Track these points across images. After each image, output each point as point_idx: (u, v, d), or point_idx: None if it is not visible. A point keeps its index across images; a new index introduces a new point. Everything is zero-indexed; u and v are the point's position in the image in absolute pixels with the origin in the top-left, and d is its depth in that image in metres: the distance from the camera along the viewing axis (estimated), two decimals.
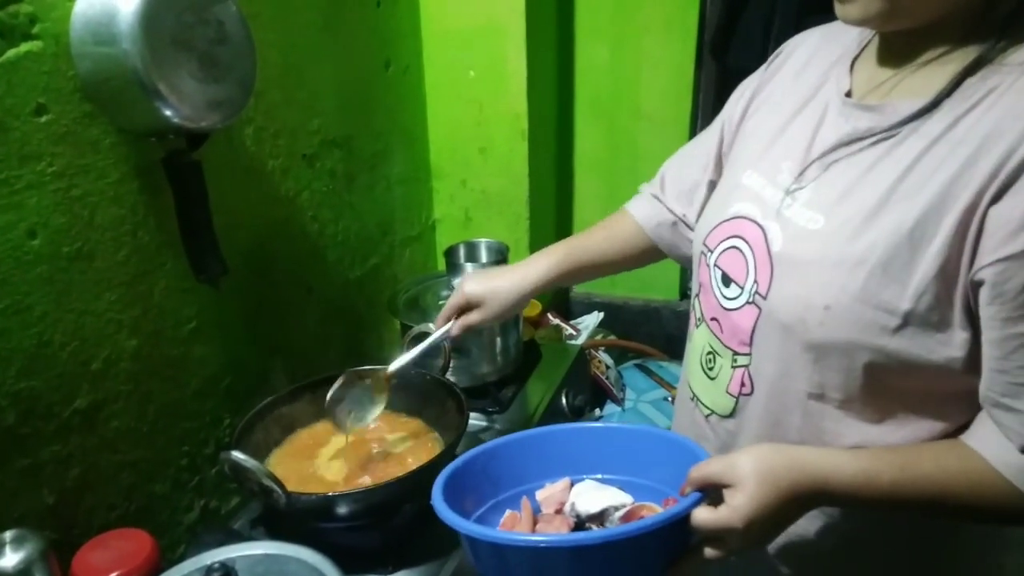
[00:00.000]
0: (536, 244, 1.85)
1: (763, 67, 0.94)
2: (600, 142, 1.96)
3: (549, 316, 1.87)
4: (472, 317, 1.11)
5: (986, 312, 0.65)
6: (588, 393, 1.59)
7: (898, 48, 0.74)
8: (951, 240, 0.64)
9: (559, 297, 2.11)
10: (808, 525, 0.80)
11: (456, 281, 1.45)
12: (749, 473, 0.67)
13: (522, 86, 1.68)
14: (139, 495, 1.09)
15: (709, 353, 0.86)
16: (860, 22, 0.71)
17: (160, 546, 0.94)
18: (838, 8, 0.71)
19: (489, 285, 1.10)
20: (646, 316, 2.03)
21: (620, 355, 1.88)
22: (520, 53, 1.65)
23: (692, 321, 0.92)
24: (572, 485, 0.84)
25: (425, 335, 1.27)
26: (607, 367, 1.73)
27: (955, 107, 0.67)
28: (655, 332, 2.00)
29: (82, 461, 0.99)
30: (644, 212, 1.09)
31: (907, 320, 0.67)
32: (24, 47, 0.86)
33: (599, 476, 0.85)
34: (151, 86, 0.89)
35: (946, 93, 0.67)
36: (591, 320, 1.86)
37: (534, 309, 1.82)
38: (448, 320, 1.13)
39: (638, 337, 1.98)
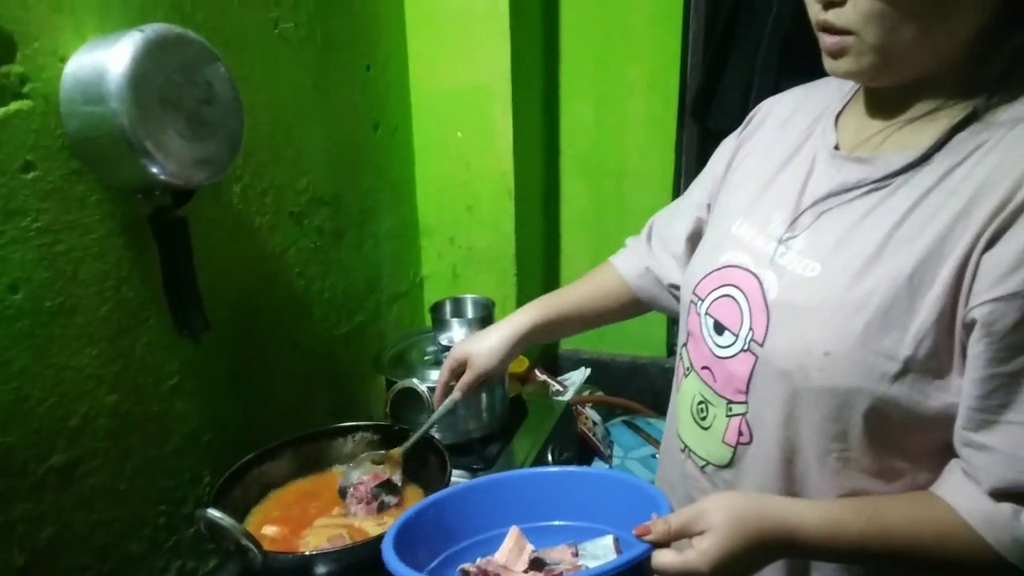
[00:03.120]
0: (523, 300, 1.84)
1: (743, 124, 0.96)
2: (586, 199, 1.99)
3: (536, 372, 1.87)
4: (465, 378, 1.12)
5: (973, 350, 0.66)
6: (575, 450, 1.58)
7: (887, 103, 0.76)
8: (948, 287, 0.66)
9: (547, 353, 2.10)
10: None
11: (443, 338, 1.46)
12: (718, 519, 0.68)
13: (508, 145, 1.71)
14: (114, 556, 1.06)
15: (700, 403, 0.86)
16: (851, 76, 0.73)
17: None
18: (828, 63, 0.73)
19: (475, 344, 1.12)
20: (633, 372, 2.03)
21: (607, 412, 1.87)
22: (506, 113, 1.69)
23: (679, 371, 0.92)
24: (521, 534, 0.82)
25: (411, 390, 1.27)
26: (594, 423, 1.72)
27: (946, 160, 0.69)
28: (643, 388, 2.00)
29: (56, 520, 0.97)
30: (627, 265, 1.11)
31: (908, 366, 0.68)
32: (14, 106, 0.88)
33: (556, 523, 0.84)
34: (138, 144, 0.90)
35: (937, 147, 0.69)
36: (578, 376, 1.85)
37: (521, 365, 1.82)
38: (446, 387, 1.15)
39: (626, 393, 1.97)
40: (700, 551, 0.67)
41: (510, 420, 1.50)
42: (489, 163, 1.74)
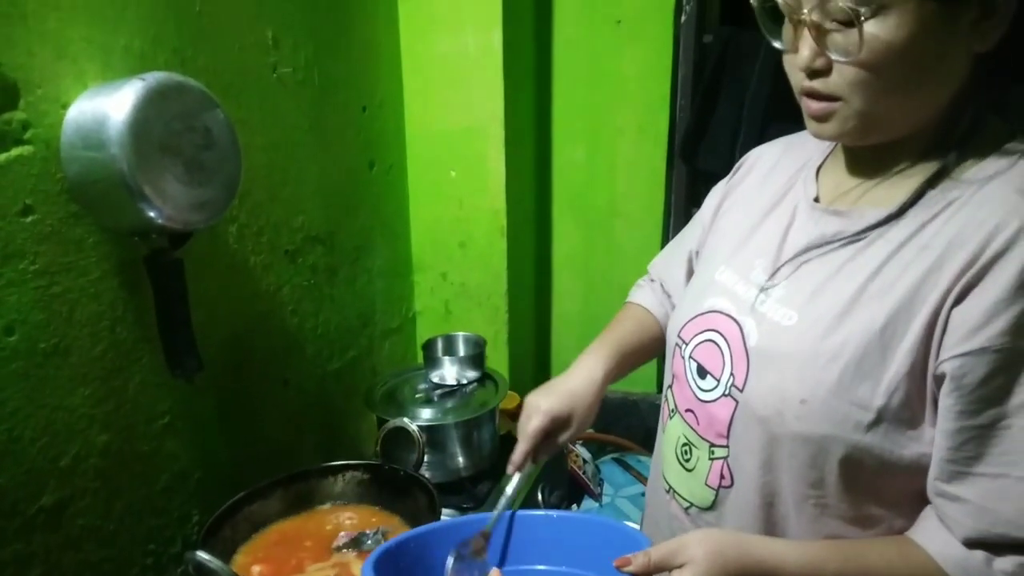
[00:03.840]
0: (514, 337, 1.88)
1: (729, 175, 0.99)
2: (577, 238, 2.02)
3: None
4: (564, 437, 0.99)
5: (944, 403, 0.67)
6: (565, 488, 1.58)
7: (864, 161, 0.79)
8: (920, 340, 0.68)
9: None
10: None
11: (434, 375, 1.47)
12: (699, 553, 0.69)
13: (501, 185, 1.74)
14: None
15: (684, 444, 0.88)
16: (836, 138, 0.76)
17: None
18: (813, 126, 0.75)
19: (570, 402, 0.97)
20: (624, 409, 2.04)
21: (598, 449, 1.88)
22: (499, 154, 1.72)
23: (665, 412, 0.94)
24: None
25: (402, 430, 1.27)
26: (584, 461, 1.72)
27: (918, 215, 0.71)
28: (633, 425, 2.00)
29: (44, 561, 0.97)
30: (651, 301, 1.11)
31: (881, 416, 0.69)
32: (15, 151, 0.90)
33: (539, 567, 0.84)
34: (137, 189, 0.92)
35: (910, 203, 0.72)
36: None
37: (512, 401, 1.82)
38: (530, 450, 0.97)
39: (617, 430, 1.98)
40: None
41: (501, 458, 1.50)
42: (482, 202, 1.77)
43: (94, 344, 1.02)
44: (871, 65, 0.67)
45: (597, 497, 1.71)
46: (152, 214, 0.94)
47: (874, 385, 0.69)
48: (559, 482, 1.57)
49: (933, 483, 0.70)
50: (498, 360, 1.86)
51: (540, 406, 0.97)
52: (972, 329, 0.65)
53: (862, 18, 0.65)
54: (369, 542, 1.13)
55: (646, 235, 1.91)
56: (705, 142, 1.79)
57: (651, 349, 1.10)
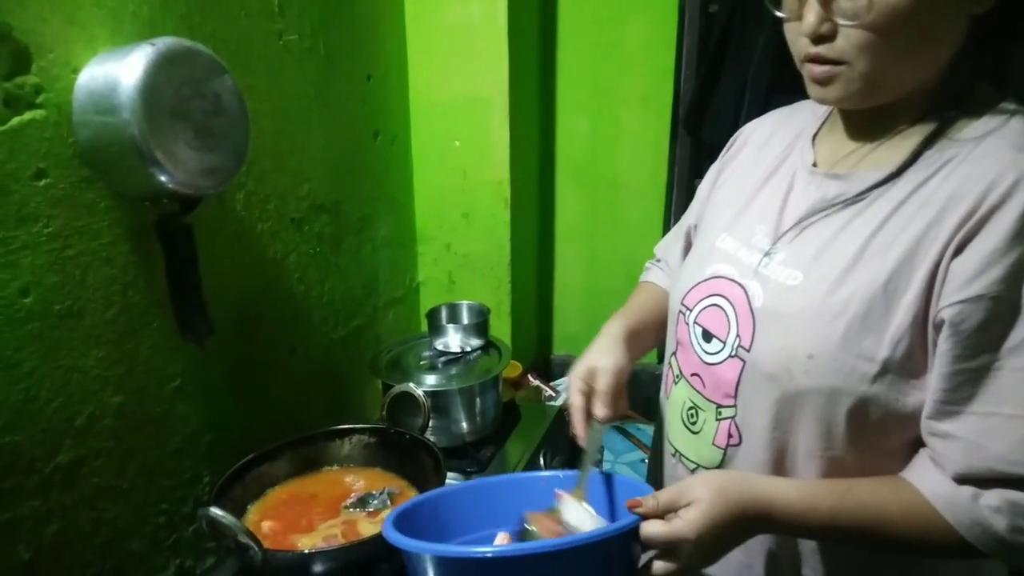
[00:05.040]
0: (517, 307, 1.90)
1: (724, 149, 1.01)
2: (580, 209, 2.03)
3: (529, 377, 1.90)
4: (601, 383, 0.91)
5: (941, 348, 0.70)
6: (566, 453, 1.61)
7: (861, 125, 0.81)
8: (922, 291, 0.70)
9: (540, 359, 2.14)
10: None
11: (438, 343, 1.49)
12: (703, 492, 0.72)
13: (505, 155, 1.75)
14: (115, 553, 1.09)
15: (691, 408, 0.90)
16: (839, 102, 0.77)
17: None
18: (816, 90, 0.77)
19: (589, 357, 0.95)
20: None
21: None
22: (503, 124, 1.73)
23: (669, 379, 0.96)
24: (511, 538, 0.85)
25: (407, 394, 1.29)
26: None
27: (917, 175, 0.74)
28: (634, 395, 2.00)
29: (61, 518, 1.00)
30: (660, 278, 1.13)
31: (886, 367, 0.72)
32: (28, 115, 0.91)
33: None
34: (148, 154, 0.93)
35: (908, 163, 0.74)
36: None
37: (515, 370, 1.85)
38: (584, 415, 0.92)
39: None
40: (686, 520, 0.71)
41: (503, 424, 1.53)
42: (486, 172, 1.78)
43: (107, 307, 1.03)
44: (878, 27, 0.69)
45: (597, 463, 1.74)
46: (163, 179, 0.96)
47: (879, 337, 0.72)
48: (560, 448, 1.59)
49: (926, 422, 0.73)
50: (501, 330, 1.88)
51: (571, 376, 0.95)
52: (969, 278, 0.67)
53: None
54: (375, 502, 1.16)
55: (649, 206, 1.92)
56: (709, 113, 1.80)
57: (664, 324, 1.08)
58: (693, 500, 0.72)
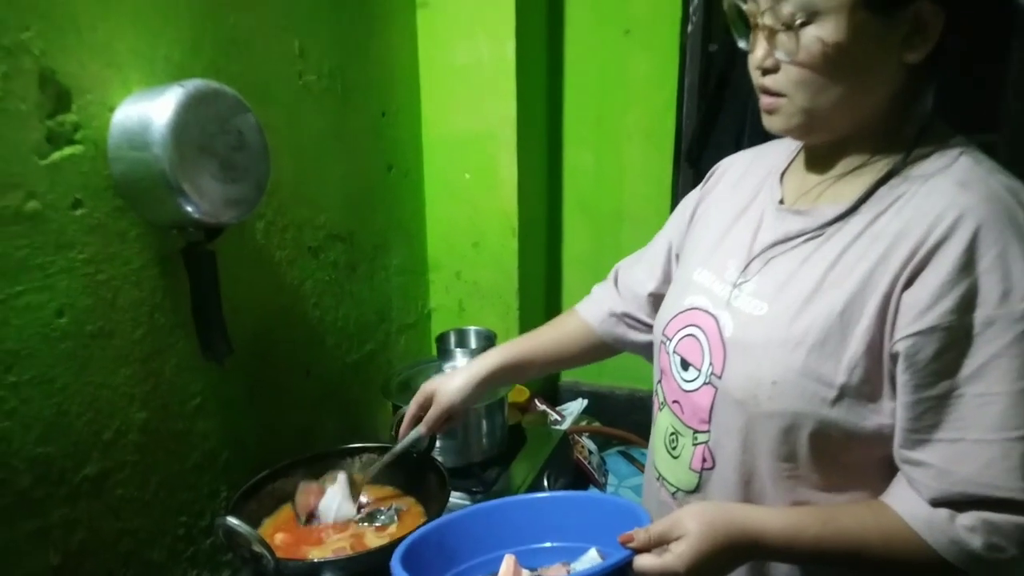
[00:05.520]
0: (526, 332, 1.95)
1: (701, 184, 1.07)
2: (586, 239, 2.10)
3: (536, 402, 1.95)
4: (431, 414, 1.18)
5: (900, 379, 0.75)
6: (570, 476, 1.65)
7: (821, 160, 0.86)
8: (874, 320, 0.75)
9: (547, 385, 2.19)
10: None
11: (447, 367, 1.55)
12: (692, 526, 0.76)
13: (513, 187, 1.83)
14: (136, 562, 1.15)
15: (672, 434, 0.95)
16: (784, 132, 0.84)
17: None
18: (765, 119, 0.84)
19: (443, 383, 1.18)
20: (631, 405, 2.11)
21: (604, 442, 1.95)
22: (511, 158, 1.81)
23: (656, 406, 1.01)
24: (516, 561, 0.89)
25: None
26: (590, 452, 1.80)
27: (871, 210, 0.79)
28: (640, 420, 2.05)
29: (87, 526, 1.06)
30: (593, 311, 1.20)
31: (843, 392, 0.77)
32: (67, 150, 0.99)
33: (547, 544, 0.91)
34: (177, 186, 1.01)
35: (863, 199, 0.80)
36: (575, 407, 1.94)
37: (522, 395, 1.90)
38: (412, 420, 1.20)
39: (624, 425, 2.05)
40: (677, 554, 0.75)
41: (509, 447, 1.58)
42: (494, 203, 1.85)
43: (135, 328, 1.11)
44: (809, 65, 0.75)
45: (601, 486, 1.78)
46: (190, 209, 1.03)
47: (836, 364, 0.77)
48: (565, 471, 1.64)
49: (898, 451, 0.77)
50: None
51: (423, 386, 1.21)
52: (922, 310, 0.72)
53: (797, 23, 0.74)
54: (383, 518, 1.21)
55: (652, 235, 1.97)
56: (710, 146, 1.86)
57: (568, 358, 1.22)
58: (683, 534, 0.76)
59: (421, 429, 1.19)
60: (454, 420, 1.20)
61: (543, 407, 1.94)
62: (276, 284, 1.42)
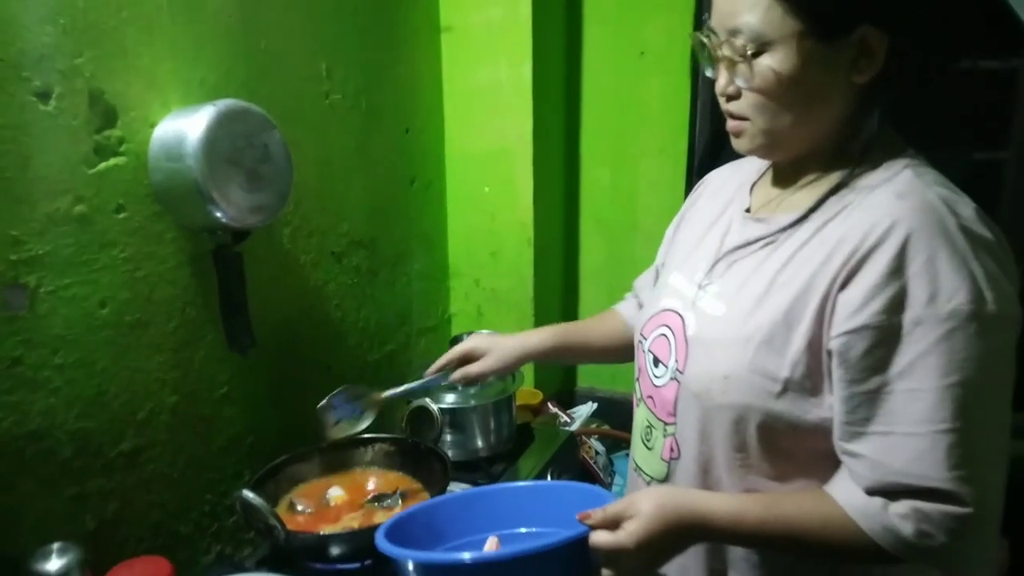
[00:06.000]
0: None
1: (690, 195, 1.15)
2: (602, 252, 2.18)
3: (549, 405, 2.03)
4: (473, 368, 1.27)
5: (835, 375, 0.81)
6: (575, 475, 1.73)
7: (783, 174, 0.94)
8: (814, 320, 0.82)
9: (563, 390, 2.27)
10: None
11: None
12: (645, 506, 0.83)
13: (529, 200, 1.93)
14: (165, 533, 1.27)
15: (647, 427, 1.02)
16: (748, 152, 0.92)
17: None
18: (733, 141, 0.92)
19: (493, 340, 1.28)
20: None
21: (614, 445, 2.02)
22: (527, 173, 1.91)
23: (635, 402, 1.09)
24: (499, 542, 0.96)
25: (425, 409, 1.46)
26: (596, 453, 1.87)
27: (819, 218, 0.86)
28: None
29: (121, 497, 1.19)
30: (629, 311, 1.29)
31: (787, 386, 0.83)
32: (112, 161, 1.13)
33: (523, 530, 0.99)
34: (207, 194, 1.14)
35: (813, 208, 0.87)
36: (585, 410, 2.01)
37: (535, 398, 1.99)
38: (446, 365, 1.29)
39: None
40: (628, 531, 0.82)
41: (517, 444, 1.66)
42: (511, 215, 1.96)
43: (168, 320, 1.24)
44: (765, 91, 0.83)
45: (607, 486, 1.85)
46: (218, 214, 1.16)
47: (780, 360, 0.83)
48: (570, 469, 1.71)
49: (837, 443, 0.83)
50: None
51: (467, 340, 1.30)
52: (853, 311, 0.79)
53: (749, 53, 0.82)
54: (389, 500, 1.31)
55: None
56: (720, 163, 1.93)
57: (608, 350, 1.29)
58: (636, 514, 0.83)
59: (456, 376, 1.28)
60: (484, 380, 1.32)
61: (555, 410, 2.02)
62: (300, 285, 1.54)
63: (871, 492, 0.80)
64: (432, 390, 1.33)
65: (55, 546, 1.03)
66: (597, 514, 0.85)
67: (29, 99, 1.01)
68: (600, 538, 0.83)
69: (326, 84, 1.54)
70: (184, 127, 1.14)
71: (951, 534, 0.76)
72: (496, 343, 1.28)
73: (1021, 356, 0.81)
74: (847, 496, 0.82)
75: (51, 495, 1.09)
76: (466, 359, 1.29)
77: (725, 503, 0.85)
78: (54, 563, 1.02)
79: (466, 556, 0.85)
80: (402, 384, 1.33)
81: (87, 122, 1.08)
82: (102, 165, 1.11)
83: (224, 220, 1.17)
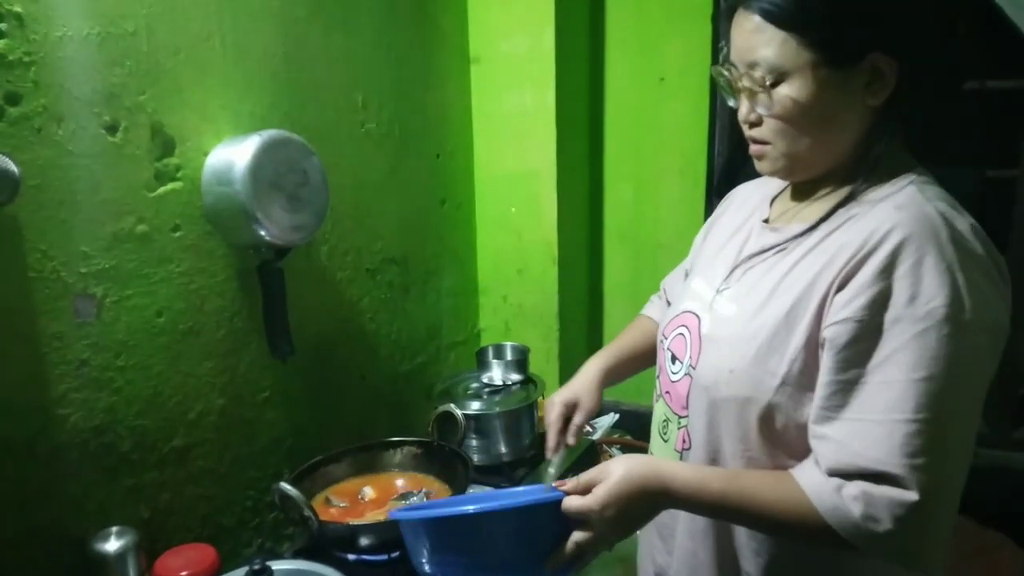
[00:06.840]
0: (565, 353, 2.14)
1: (719, 206, 1.24)
2: (625, 267, 2.26)
3: None
4: (578, 418, 1.27)
5: (823, 362, 0.87)
6: None
7: (801, 188, 1.01)
8: (813, 319, 0.88)
9: None
10: None
11: (484, 376, 1.74)
12: (613, 473, 0.89)
13: (553, 219, 2.03)
14: (211, 525, 1.39)
15: (664, 421, 1.10)
16: (770, 174, 0.99)
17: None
18: (756, 164, 0.99)
19: (574, 390, 1.28)
20: None
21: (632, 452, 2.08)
22: (552, 193, 2.01)
23: (655, 398, 1.16)
24: None
25: (450, 414, 1.55)
26: None
27: (827, 228, 0.93)
28: None
29: (172, 489, 1.31)
30: (654, 311, 1.38)
31: (785, 380, 0.90)
32: (170, 186, 1.26)
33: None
34: (252, 214, 1.26)
35: (822, 219, 0.94)
36: (607, 420, 2.08)
37: None
38: (559, 435, 1.27)
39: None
40: (595, 495, 0.88)
41: (539, 451, 1.75)
42: (537, 234, 2.06)
43: (217, 329, 1.36)
44: (784, 118, 0.90)
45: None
46: (262, 233, 1.28)
47: (780, 357, 0.90)
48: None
49: (810, 427, 0.89)
50: (550, 371, 2.11)
51: (554, 399, 1.28)
52: (844, 304, 0.85)
53: (768, 84, 0.89)
54: (415, 498, 1.42)
55: None
56: (737, 182, 2.01)
57: (652, 353, 1.32)
58: (604, 478, 0.89)
59: (571, 441, 1.28)
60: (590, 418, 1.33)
61: None
62: (337, 299, 1.66)
63: (830, 473, 0.84)
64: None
65: (114, 529, 1.16)
66: (571, 481, 0.91)
67: (99, 132, 1.15)
68: (572, 502, 0.89)
69: (361, 113, 1.66)
70: (233, 155, 1.27)
71: (896, 521, 0.80)
72: (579, 391, 1.28)
73: (1015, 371, 0.84)
74: (807, 476, 0.87)
75: (111, 484, 1.21)
76: (566, 420, 1.28)
77: (689, 473, 0.91)
78: (112, 544, 1.14)
79: (426, 513, 0.94)
80: (549, 466, 1.30)
81: (148, 151, 1.22)
82: (161, 189, 1.24)
83: (267, 238, 1.29)
